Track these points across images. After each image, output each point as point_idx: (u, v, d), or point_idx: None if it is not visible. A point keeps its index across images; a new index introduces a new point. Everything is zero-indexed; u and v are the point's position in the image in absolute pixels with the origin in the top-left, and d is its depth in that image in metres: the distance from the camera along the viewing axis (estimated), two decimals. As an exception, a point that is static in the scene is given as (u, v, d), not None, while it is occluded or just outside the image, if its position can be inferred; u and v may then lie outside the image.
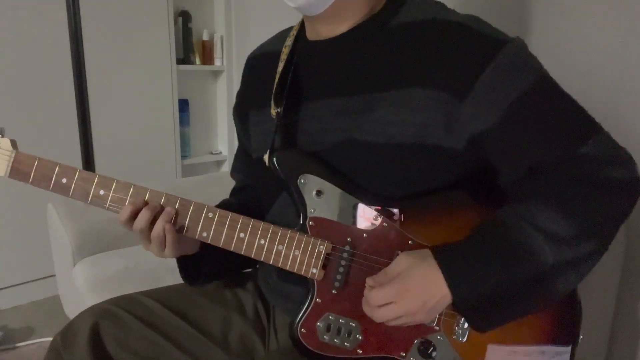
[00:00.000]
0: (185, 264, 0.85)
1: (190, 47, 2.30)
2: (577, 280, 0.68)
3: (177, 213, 0.73)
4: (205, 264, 0.86)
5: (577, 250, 0.65)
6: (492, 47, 0.66)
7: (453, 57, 0.67)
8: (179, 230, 0.74)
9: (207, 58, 2.35)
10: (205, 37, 2.33)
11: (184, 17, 2.24)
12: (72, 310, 1.46)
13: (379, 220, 0.72)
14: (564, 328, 0.75)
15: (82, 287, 1.33)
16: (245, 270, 0.97)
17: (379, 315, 0.68)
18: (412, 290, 0.66)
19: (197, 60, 2.34)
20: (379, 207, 0.72)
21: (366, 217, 0.72)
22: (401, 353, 0.72)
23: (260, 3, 2.13)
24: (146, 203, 0.73)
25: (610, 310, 1.08)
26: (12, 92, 1.86)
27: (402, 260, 0.69)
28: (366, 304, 0.70)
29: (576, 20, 1.11)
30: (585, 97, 0.73)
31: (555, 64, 0.76)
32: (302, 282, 0.75)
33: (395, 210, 0.72)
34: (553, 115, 0.68)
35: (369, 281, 0.70)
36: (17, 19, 1.83)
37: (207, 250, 0.82)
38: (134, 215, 0.72)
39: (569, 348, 0.75)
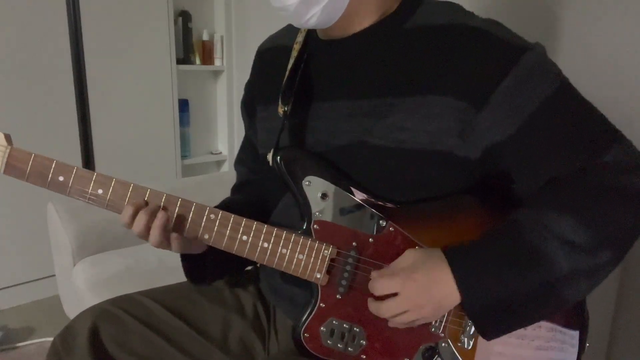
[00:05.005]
0: (191, 264, 0.84)
1: (190, 47, 2.30)
2: (588, 290, 0.67)
3: (177, 214, 0.71)
4: (212, 265, 0.84)
5: (593, 259, 0.64)
6: (512, 55, 0.64)
7: (471, 64, 0.65)
8: (179, 231, 0.72)
9: (207, 58, 2.35)
10: (205, 37, 2.33)
11: (184, 17, 2.24)
12: (72, 310, 1.46)
13: (386, 225, 0.70)
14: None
15: (82, 287, 1.33)
16: (246, 269, 0.96)
17: (385, 309, 0.66)
18: (418, 280, 0.64)
19: (197, 60, 2.33)
20: (386, 212, 0.70)
21: (372, 221, 0.71)
22: (405, 359, 0.72)
23: (260, 3, 2.13)
24: (146, 203, 0.71)
25: (610, 310, 1.08)
26: (12, 92, 1.86)
27: (409, 255, 0.67)
28: (372, 301, 0.68)
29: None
30: (610, 100, 0.70)
31: (578, 66, 0.73)
32: (306, 284, 0.74)
33: (403, 216, 0.70)
34: (575, 123, 0.66)
35: (374, 273, 0.68)
36: (17, 19, 1.82)
37: (214, 250, 0.79)
38: (136, 215, 0.70)
39: (576, 332, 0.73)
